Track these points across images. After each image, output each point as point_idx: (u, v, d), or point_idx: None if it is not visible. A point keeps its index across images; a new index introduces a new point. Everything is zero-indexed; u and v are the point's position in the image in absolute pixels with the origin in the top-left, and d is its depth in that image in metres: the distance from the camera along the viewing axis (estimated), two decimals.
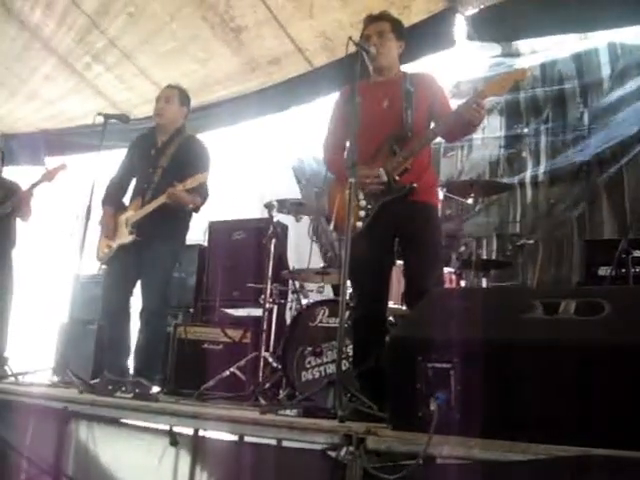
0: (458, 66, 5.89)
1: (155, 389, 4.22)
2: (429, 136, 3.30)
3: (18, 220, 5.39)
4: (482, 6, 4.55)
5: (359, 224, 3.17)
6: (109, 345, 4.20)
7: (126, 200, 4.36)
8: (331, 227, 3.35)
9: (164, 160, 4.14)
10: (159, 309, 4.10)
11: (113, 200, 4.30)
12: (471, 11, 4.62)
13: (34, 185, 5.23)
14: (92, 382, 4.04)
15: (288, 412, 3.26)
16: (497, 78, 3.20)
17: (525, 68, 3.43)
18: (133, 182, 4.35)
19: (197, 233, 5.61)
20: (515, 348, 2.04)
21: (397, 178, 3.18)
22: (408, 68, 3.61)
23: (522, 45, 5.73)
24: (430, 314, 2.42)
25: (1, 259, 5.27)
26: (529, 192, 5.51)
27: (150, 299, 4.05)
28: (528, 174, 5.56)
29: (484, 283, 4.74)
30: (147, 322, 4.05)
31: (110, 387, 3.86)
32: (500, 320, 2.19)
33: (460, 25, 4.68)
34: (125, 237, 4.09)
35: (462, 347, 2.09)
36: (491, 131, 5.73)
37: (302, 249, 6.02)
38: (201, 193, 4.06)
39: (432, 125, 3.34)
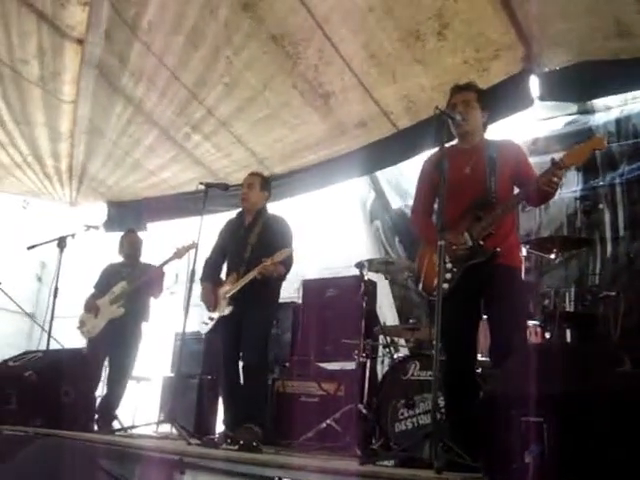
0: (534, 123, 5.92)
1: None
2: (512, 203, 3.42)
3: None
4: (557, 67, 4.63)
5: (445, 286, 3.26)
6: (226, 406, 4.57)
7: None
8: (419, 287, 3.52)
9: (252, 238, 4.60)
10: (258, 364, 4.41)
11: (210, 277, 4.77)
12: (547, 72, 4.69)
13: (165, 262, 5.67)
14: (210, 437, 4.29)
15: (385, 462, 3.38)
16: (576, 147, 3.23)
17: (602, 137, 3.44)
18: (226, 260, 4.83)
19: (291, 291, 5.87)
20: (606, 401, 2.09)
21: (481, 243, 3.30)
22: (489, 129, 3.70)
23: (597, 102, 5.69)
24: (522, 369, 2.45)
25: (134, 329, 5.70)
26: (609, 247, 5.48)
27: (249, 356, 4.40)
28: (608, 229, 5.54)
29: (568, 335, 4.74)
30: (248, 376, 4.37)
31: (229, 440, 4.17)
32: (591, 374, 2.23)
33: (535, 85, 4.74)
34: (224, 309, 4.53)
35: (555, 401, 2.16)
36: (568, 187, 5.71)
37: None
38: (285, 264, 4.49)
39: (515, 192, 3.44)
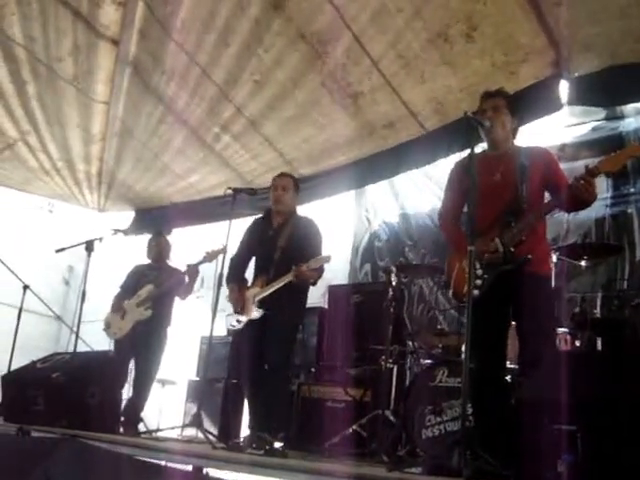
0: (562, 129, 5.84)
1: (278, 444, 4.31)
2: (544, 210, 3.39)
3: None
4: (588, 71, 4.57)
5: (475, 292, 3.24)
6: (250, 409, 4.49)
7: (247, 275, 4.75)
8: (450, 294, 3.50)
9: (282, 240, 4.49)
10: (280, 365, 4.33)
11: (236, 277, 4.67)
12: (577, 77, 4.64)
13: (197, 265, 5.61)
14: (235, 441, 4.27)
15: (413, 469, 3.34)
16: (612, 155, 3.20)
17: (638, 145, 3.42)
18: (252, 260, 4.74)
19: (317, 297, 5.83)
20: None
21: (512, 249, 3.27)
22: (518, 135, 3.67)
23: (626, 107, 5.56)
24: (554, 377, 2.44)
25: (159, 332, 5.68)
26: (638, 250, 5.39)
27: (272, 357, 4.30)
28: (637, 234, 5.43)
29: (599, 342, 4.65)
30: (268, 378, 4.28)
31: (255, 444, 4.08)
32: (624, 382, 2.22)
33: (564, 89, 4.70)
34: (253, 312, 4.41)
35: (588, 409, 2.14)
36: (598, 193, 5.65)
37: None
38: (319, 270, 4.37)
39: (547, 199, 3.42)
